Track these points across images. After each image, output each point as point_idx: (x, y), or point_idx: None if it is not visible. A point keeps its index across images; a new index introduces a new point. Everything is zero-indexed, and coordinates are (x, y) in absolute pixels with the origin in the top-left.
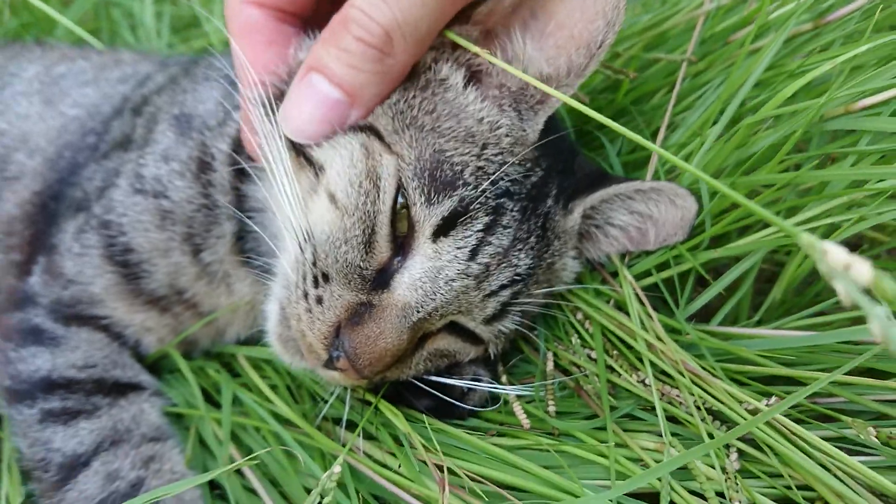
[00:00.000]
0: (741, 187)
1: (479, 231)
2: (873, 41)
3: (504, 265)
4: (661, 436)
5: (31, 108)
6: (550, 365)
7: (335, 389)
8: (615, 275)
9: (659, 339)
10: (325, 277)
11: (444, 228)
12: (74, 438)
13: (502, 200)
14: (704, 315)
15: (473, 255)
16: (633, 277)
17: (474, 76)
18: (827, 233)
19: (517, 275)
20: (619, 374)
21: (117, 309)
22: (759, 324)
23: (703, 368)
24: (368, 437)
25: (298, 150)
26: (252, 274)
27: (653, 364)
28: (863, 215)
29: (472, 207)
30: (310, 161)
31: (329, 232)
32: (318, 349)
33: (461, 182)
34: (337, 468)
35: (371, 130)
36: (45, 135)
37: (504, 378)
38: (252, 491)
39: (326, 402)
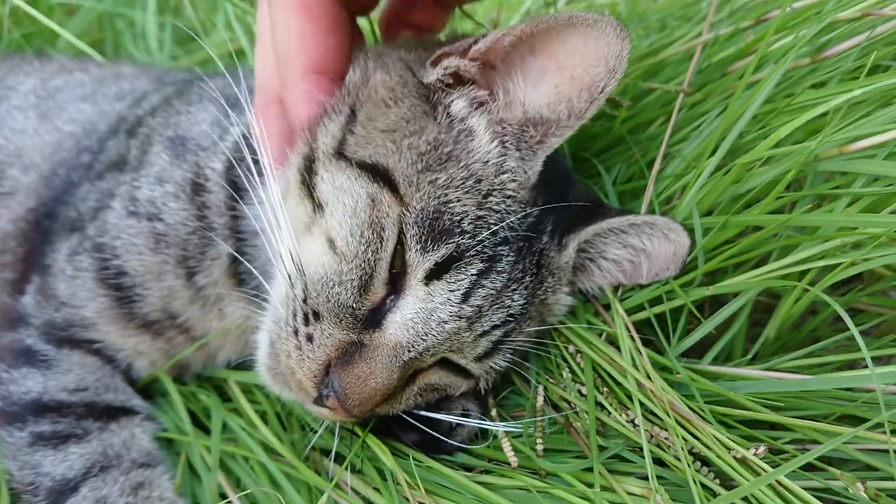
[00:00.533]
0: (734, 226)
1: (472, 275)
2: (869, 83)
3: (497, 306)
4: (647, 479)
5: (27, 122)
6: (540, 400)
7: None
8: (608, 307)
9: (648, 377)
10: (316, 315)
11: (437, 272)
12: (64, 463)
13: (499, 248)
14: (700, 348)
15: (466, 297)
16: (625, 312)
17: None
18: (821, 274)
19: (510, 315)
20: (609, 413)
21: (110, 333)
22: (753, 360)
23: (692, 410)
24: (356, 470)
25: (304, 181)
26: (245, 296)
27: (642, 404)
28: (854, 259)
29: (467, 254)
30: (311, 194)
31: (324, 273)
32: (307, 387)
33: (458, 230)
34: None
35: (383, 177)
36: (40, 150)
37: (494, 412)
38: None
39: (315, 431)
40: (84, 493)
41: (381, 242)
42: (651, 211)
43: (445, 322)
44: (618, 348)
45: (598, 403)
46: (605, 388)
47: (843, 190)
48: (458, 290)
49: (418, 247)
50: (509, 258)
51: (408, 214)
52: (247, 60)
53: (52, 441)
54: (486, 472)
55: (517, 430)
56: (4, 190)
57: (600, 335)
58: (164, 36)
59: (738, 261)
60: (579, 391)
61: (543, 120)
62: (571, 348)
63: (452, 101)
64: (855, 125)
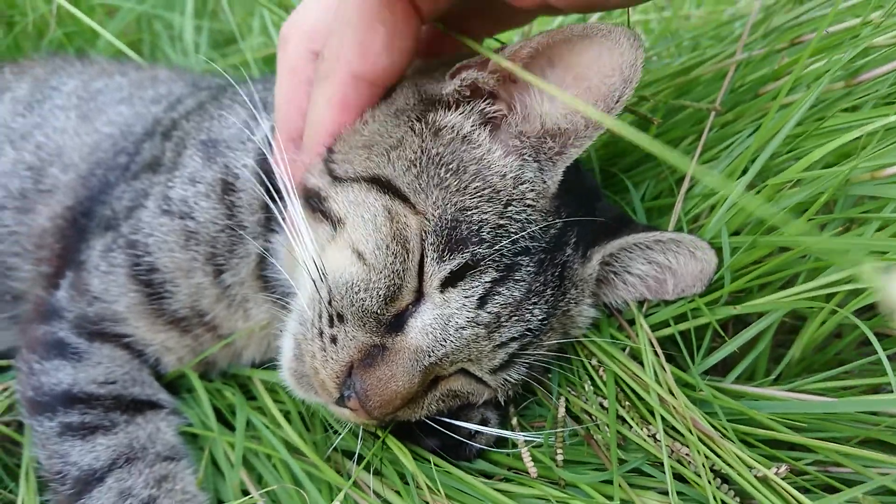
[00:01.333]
0: (763, 246)
1: (487, 283)
2: None
3: (516, 318)
4: (667, 494)
5: (68, 122)
6: (562, 411)
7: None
8: (632, 322)
9: (671, 393)
10: (340, 318)
11: (452, 280)
12: (91, 453)
13: (519, 258)
14: (723, 367)
15: (482, 304)
16: (649, 327)
17: (491, 124)
18: (848, 297)
19: (528, 329)
20: (630, 427)
21: (140, 328)
22: (776, 380)
23: (714, 427)
24: (376, 472)
25: (314, 207)
26: (270, 298)
27: (664, 419)
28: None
29: (482, 263)
30: (326, 215)
31: (349, 280)
32: (329, 388)
33: (477, 239)
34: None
35: (390, 188)
36: (78, 150)
37: (515, 420)
38: None
39: (338, 433)
40: (109, 484)
41: (407, 254)
42: (679, 228)
43: (463, 328)
44: (641, 363)
45: (620, 417)
46: (627, 403)
47: (874, 214)
48: (473, 296)
49: (435, 255)
50: (529, 268)
51: (427, 223)
52: None
53: (81, 432)
54: (506, 479)
55: (537, 439)
56: (45, 187)
57: (624, 349)
58: (200, 39)
59: (764, 281)
60: (601, 404)
61: (561, 131)
62: (594, 361)
63: (441, 115)
64: (887, 150)
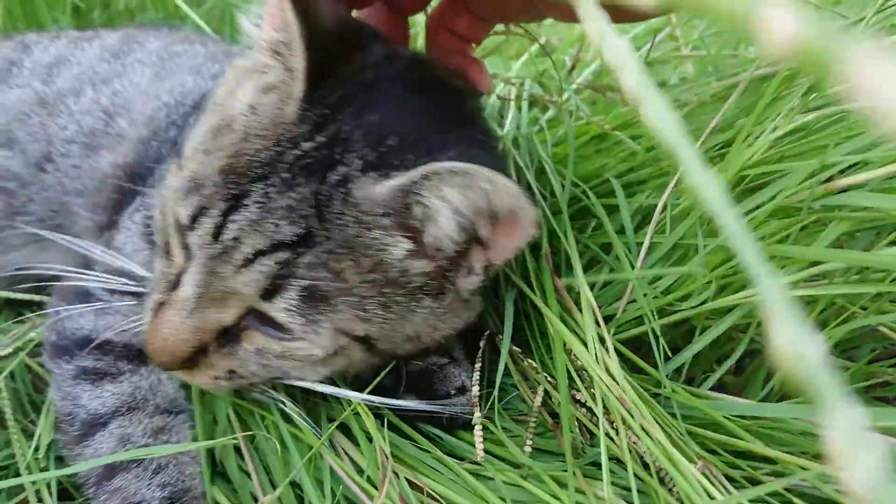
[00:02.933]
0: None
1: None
2: None
3: (256, 233)
4: (626, 489)
5: (142, 78)
6: (538, 401)
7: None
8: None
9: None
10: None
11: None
12: (98, 399)
13: (251, 185)
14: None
15: (217, 234)
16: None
17: None
18: None
19: (276, 241)
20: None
21: None
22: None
23: (658, 422)
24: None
25: None
26: None
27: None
28: None
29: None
30: None
31: None
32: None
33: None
34: None
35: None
36: (141, 114)
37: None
38: (247, 473)
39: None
40: (111, 429)
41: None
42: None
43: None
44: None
45: (590, 411)
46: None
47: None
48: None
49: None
50: (266, 192)
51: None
52: None
53: (92, 377)
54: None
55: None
56: (112, 132)
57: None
58: None
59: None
60: (574, 397)
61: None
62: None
63: None
64: None
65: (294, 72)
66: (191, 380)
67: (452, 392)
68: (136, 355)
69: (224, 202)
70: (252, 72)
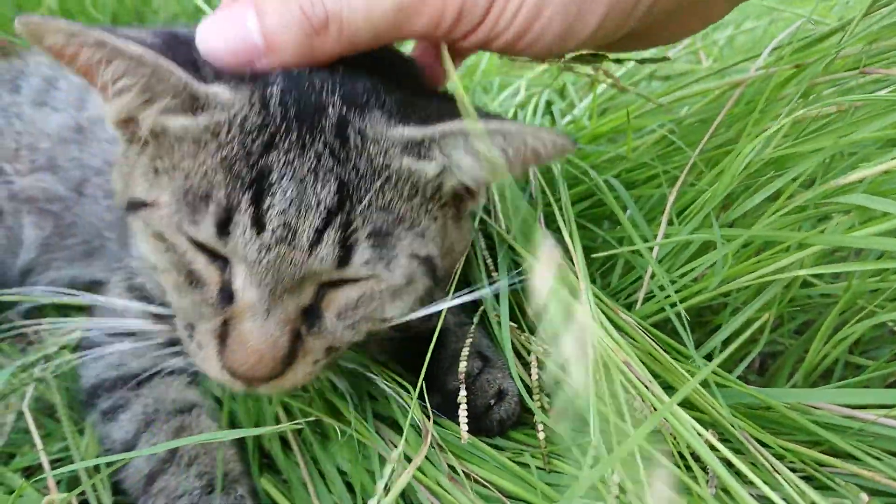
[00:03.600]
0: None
1: (248, 209)
2: None
3: (305, 209)
4: None
5: None
6: (535, 373)
7: None
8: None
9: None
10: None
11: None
12: (122, 430)
13: (265, 162)
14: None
15: (260, 228)
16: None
17: None
18: None
19: (325, 206)
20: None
21: None
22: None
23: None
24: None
25: None
26: None
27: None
28: None
29: (228, 198)
30: None
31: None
32: (224, 380)
33: (208, 185)
34: None
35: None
36: None
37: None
38: (296, 464)
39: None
40: (139, 448)
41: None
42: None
43: (262, 259)
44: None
45: None
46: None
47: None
48: (245, 228)
49: (191, 227)
50: (287, 163)
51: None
52: None
53: (110, 415)
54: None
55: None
56: None
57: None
58: None
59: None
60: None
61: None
62: None
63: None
64: None
65: None
66: (282, 383)
67: (492, 402)
68: (129, 382)
69: (246, 192)
70: None
